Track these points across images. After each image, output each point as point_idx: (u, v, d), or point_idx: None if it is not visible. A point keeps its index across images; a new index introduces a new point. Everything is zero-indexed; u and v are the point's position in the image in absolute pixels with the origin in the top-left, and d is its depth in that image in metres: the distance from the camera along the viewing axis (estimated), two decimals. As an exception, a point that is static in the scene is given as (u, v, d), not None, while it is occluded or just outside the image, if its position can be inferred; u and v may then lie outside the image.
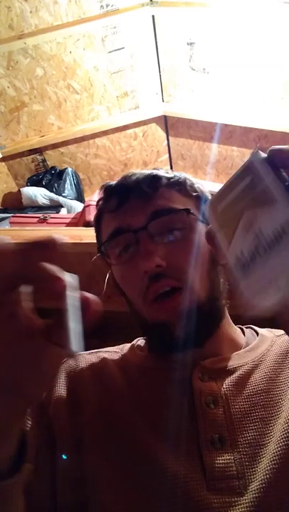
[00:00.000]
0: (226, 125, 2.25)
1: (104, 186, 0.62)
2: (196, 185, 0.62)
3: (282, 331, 0.61)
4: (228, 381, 0.52)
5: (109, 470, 0.46)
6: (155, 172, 0.59)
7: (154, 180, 0.58)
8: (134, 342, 0.66)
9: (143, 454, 0.47)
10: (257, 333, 0.62)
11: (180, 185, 0.59)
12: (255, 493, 0.41)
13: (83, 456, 0.48)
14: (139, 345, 0.64)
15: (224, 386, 0.51)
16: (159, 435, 0.48)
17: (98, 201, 0.63)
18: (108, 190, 0.60)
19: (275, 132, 2.14)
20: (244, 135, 2.28)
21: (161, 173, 0.59)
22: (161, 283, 0.52)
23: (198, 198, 0.61)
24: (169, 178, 0.59)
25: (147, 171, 0.59)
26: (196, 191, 0.61)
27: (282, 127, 2.07)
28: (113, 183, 0.61)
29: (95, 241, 0.66)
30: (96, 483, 0.46)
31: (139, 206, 0.56)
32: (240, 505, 0.41)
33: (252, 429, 0.47)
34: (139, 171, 0.60)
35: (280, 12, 1.67)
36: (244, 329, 0.64)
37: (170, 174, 0.60)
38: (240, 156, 2.40)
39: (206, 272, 0.55)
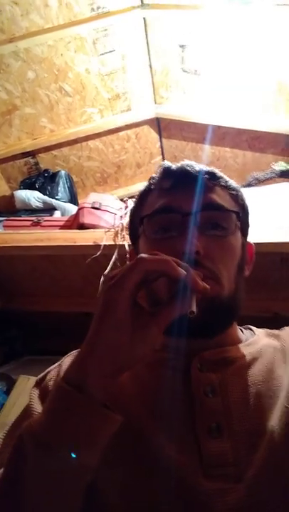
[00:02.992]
0: (219, 127, 2.26)
1: (163, 165, 0.63)
2: (243, 197, 0.64)
3: (278, 331, 0.63)
4: (227, 371, 0.53)
5: (108, 455, 0.46)
6: (216, 170, 0.62)
7: (214, 175, 0.61)
8: None
9: (140, 440, 0.47)
10: (255, 333, 0.64)
11: (234, 191, 0.62)
12: (250, 481, 0.42)
13: None
14: None
15: (223, 376, 0.52)
16: (156, 423, 0.49)
17: (151, 178, 0.65)
18: (167, 170, 0.62)
19: (268, 133, 2.15)
20: (237, 136, 2.29)
21: (220, 173, 0.62)
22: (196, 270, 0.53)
23: (243, 208, 0.64)
24: (226, 181, 0.62)
25: (207, 167, 0.62)
26: (243, 201, 0.64)
27: (274, 128, 2.08)
28: (173, 165, 0.62)
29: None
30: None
31: (194, 193, 0.57)
32: (236, 492, 0.42)
33: (250, 418, 0.48)
34: (198, 164, 0.62)
35: (272, 14, 1.68)
36: (242, 329, 0.66)
37: (227, 178, 0.63)
38: (233, 157, 2.41)
39: (233, 275, 0.57)
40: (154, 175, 0.65)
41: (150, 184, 0.64)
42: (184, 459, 0.45)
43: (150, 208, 0.61)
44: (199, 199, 0.57)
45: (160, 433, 0.48)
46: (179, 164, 0.61)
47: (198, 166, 0.60)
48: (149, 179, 0.65)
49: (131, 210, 0.70)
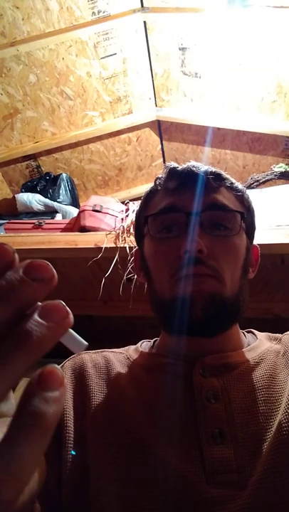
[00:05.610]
0: (219, 129, 2.27)
1: (169, 167, 0.63)
2: (249, 198, 0.65)
3: (280, 335, 0.62)
4: (229, 377, 0.52)
5: (110, 463, 0.47)
6: (222, 171, 0.62)
7: (220, 177, 0.61)
8: (138, 344, 0.67)
9: (143, 447, 0.47)
10: (257, 337, 0.63)
11: (239, 192, 0.62)
12: (254, 487, 0.42)
13: (87, 450, 0.49)
14: (143, 347, 0.66)
15: (225, 382, 0.52)
16: (159, 429, 0.48)
17: (157, 179, 0.65)
18: (173, 171, 0.62)
19: (268, 135, 2.16)
20: (237, 138, 2.29)
21: (226, 175, 0.62)
22: (198, 268, 0.53)
23: (248, 209, 0.64)
24: (232, 182, 0.62)
25: (213, 168, 0.62)
26: (248, 203, 0.64)
27: (274, 130, 2.09)
28: (179, 166, 0.62)
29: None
30: (98, 476, 0.46)
31: (198, 194, 0.57)
32: (240, 498, 0.41)
33: (253, 424, 0.47)
34: (204, 165, 0.62)
35: (271, 16, 1.69)
36: (245, 333, 0.65)
37: (233, 179, 0.63)
38: (233, 159, 2.42)
39: (237, 275, 0.57)
40: (159, 175, 0.65)
41: (156, 185, 0.65)
42: (186, 466, 0.44)
43: (155, 208, 0.61)
44: (203, 199, 0.57)
45: (162, 440, 0.47)
46: (184, 165, 0.61)
47: (204, 167, 0.60)
48: (155, 180, 0.65)
49: (136, 211, 0.70)
